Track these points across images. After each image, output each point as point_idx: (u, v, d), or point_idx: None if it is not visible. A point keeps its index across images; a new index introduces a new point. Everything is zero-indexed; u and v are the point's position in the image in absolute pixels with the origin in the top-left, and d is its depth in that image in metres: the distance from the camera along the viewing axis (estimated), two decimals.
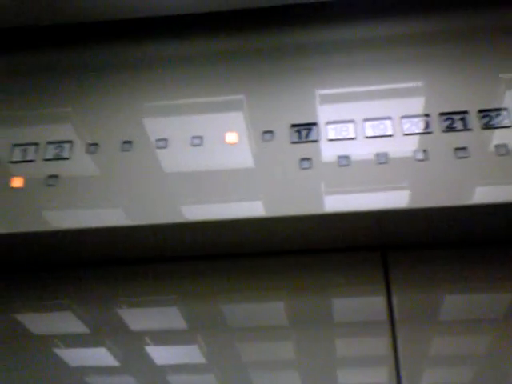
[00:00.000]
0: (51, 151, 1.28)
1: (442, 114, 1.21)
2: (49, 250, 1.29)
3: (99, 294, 1.31)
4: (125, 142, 1.27)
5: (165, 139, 1.27)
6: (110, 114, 1.32)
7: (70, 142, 1.29)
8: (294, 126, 1.25)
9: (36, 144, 1.29)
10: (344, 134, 1.22)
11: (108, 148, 1.27)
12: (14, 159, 1.28)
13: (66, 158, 1.27)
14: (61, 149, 1.28)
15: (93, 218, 1.20)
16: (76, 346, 1.27)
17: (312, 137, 1.23)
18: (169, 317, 1.29)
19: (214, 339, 1.24)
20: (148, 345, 1.24)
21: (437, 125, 1.20)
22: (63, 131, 1.31)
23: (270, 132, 1.24)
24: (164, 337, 1.26)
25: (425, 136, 1.19)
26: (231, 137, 1.25)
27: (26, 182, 1.25)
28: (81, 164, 1.26)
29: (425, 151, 1.17)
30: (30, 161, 1.27)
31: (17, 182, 1.25)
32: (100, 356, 1.25)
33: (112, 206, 1.21)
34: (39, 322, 1.32)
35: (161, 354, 1.24)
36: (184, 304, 1.29)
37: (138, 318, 1.29)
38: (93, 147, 1.28)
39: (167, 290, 1.31)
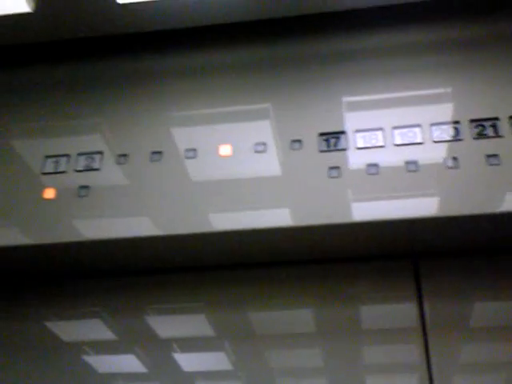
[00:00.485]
0: (82, 162, 1.30)
1: (472, 120, 1.20)
2: (80, 260, 1.30)
3: (128, 302, 1.32)
4: (154, 153, 1.28)
5: (194, 149, 1.27)
6: (139, 125, 1.33)
7: (100, 152, 1.30)
8: (322, 134, 1.24)
9: (67, 155, 1.31)
10: (373, 142, 1.21)
11: (137, 158, 1.28)
12: (46, 170, 1.30)
13: (97, 169, 1.29)
14: (91, 160, 1.30)
15: (123, 228, 1.21)
16: (105, 353, 1.29)
17: (340, 145, 1.22)
18: (196, 324, 1.29)
19: (243, 347, 1.24)
20: (176, 352, 1.25)
21: (467, 132, 1.19)
22: (93, 142, 1.32)
23: (299, 141, 1.24)
24: (192, 344, 1.26)
25: (455, 143, 1.18)
26: (260, 146, 1.25)
27: (58, 192, 1.27)
28: (111, 174, 1.28)
29: (455, 158, 1.16)
30: (62, 172, 1.29)
31: (49, 193, 1.27)
32: (128, 363, 1.26)
33: (142, 216, 1.22)
34: (69, 330, 1.33)
35: (188, 361, 1.24)
36: (211, 312, 1.30)
37: (166, 326, 1.30)
38: (122, 158, 1.29)
39: (195, 297, 1.31)
